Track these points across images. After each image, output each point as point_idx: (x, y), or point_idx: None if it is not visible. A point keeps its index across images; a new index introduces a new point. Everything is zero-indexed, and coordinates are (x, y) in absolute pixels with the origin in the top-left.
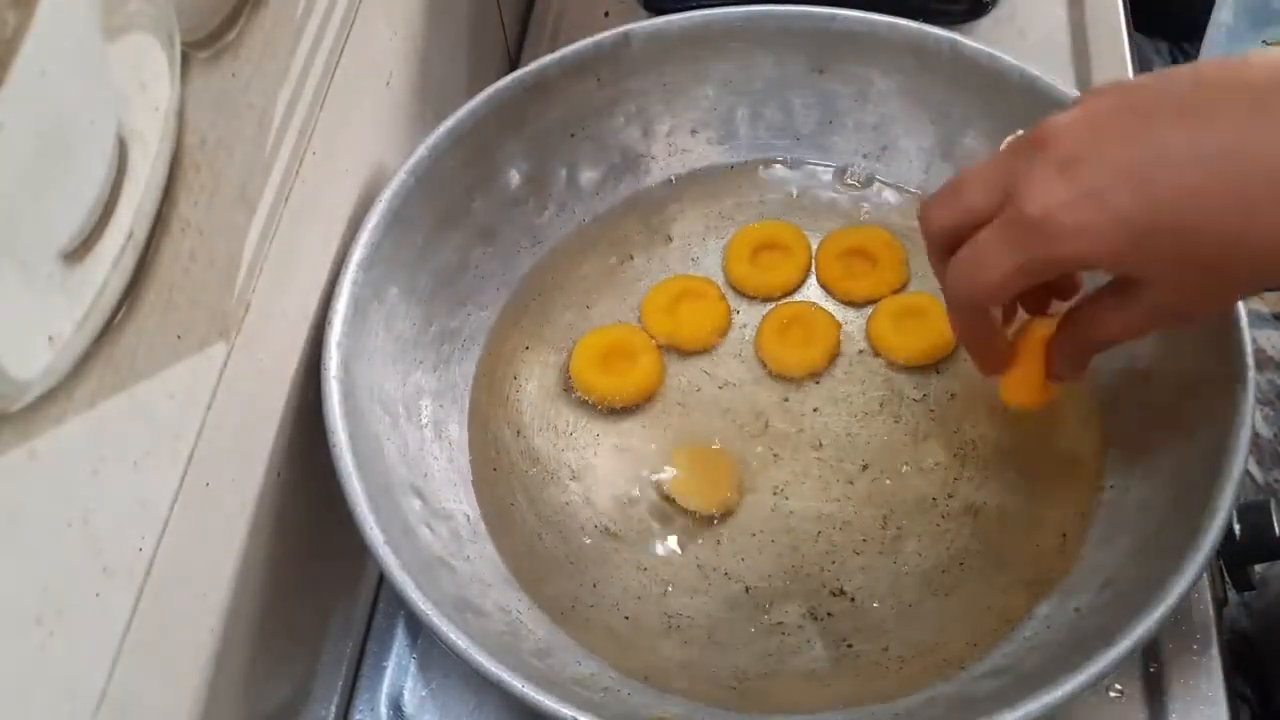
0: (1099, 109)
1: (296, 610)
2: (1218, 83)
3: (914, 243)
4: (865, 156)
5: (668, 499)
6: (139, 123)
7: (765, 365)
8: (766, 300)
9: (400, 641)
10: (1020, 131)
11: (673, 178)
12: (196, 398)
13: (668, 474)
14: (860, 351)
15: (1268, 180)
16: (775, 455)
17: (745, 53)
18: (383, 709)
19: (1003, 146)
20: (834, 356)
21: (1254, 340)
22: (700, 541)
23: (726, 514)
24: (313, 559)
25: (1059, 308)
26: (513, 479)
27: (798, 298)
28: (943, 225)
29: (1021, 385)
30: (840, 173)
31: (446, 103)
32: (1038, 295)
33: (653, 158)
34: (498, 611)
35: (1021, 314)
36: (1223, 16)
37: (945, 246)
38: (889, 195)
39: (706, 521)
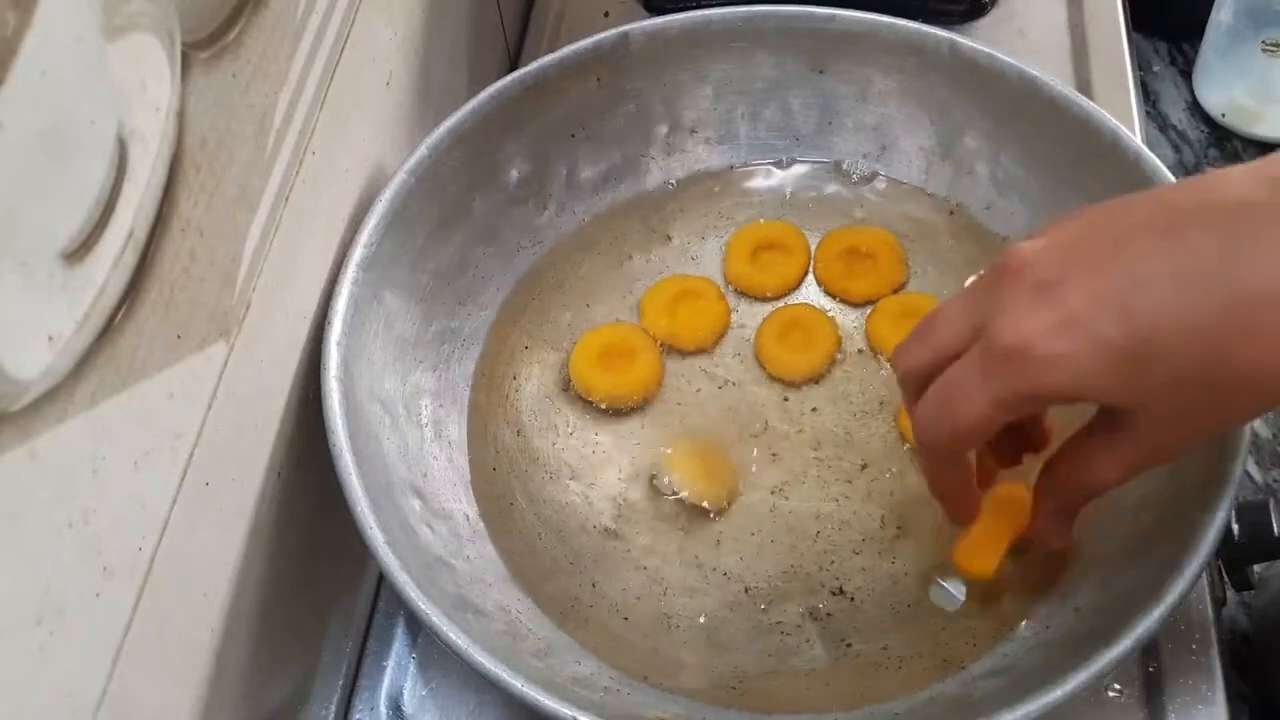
0: (1068, 234)
1: (296, 610)
2: (1186, 205)
3: (914, 243)
4: (865, 156)
5: (668, 494)
6: (139, 123)
7: (765, 368)
8: (766, 300)
9: (400, 641)
10: (982, 272)
11: (672, 178)
12: (196, 398)
13: (669, 470)
14: (860, 351)
15: (1251, 303)
16: (774, 455)
17: (745, 53)
18: (383, 709)
19: (966, 285)
20: (834, 360)
21: None
22: (700, 541)
23: (726, 507)
24: (313, 559)
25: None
26: (512, 479)
27: (797, 298)
28: (914, 367)
29: (980, 549)
30: (840, 172)
31: (446, 103)
32: (1008, 447)
33: (652, 158)
34: (498, 611)
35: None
36: (1223, 16)
37: (919, 390)
38: (889, 195)
39: (706, 521)
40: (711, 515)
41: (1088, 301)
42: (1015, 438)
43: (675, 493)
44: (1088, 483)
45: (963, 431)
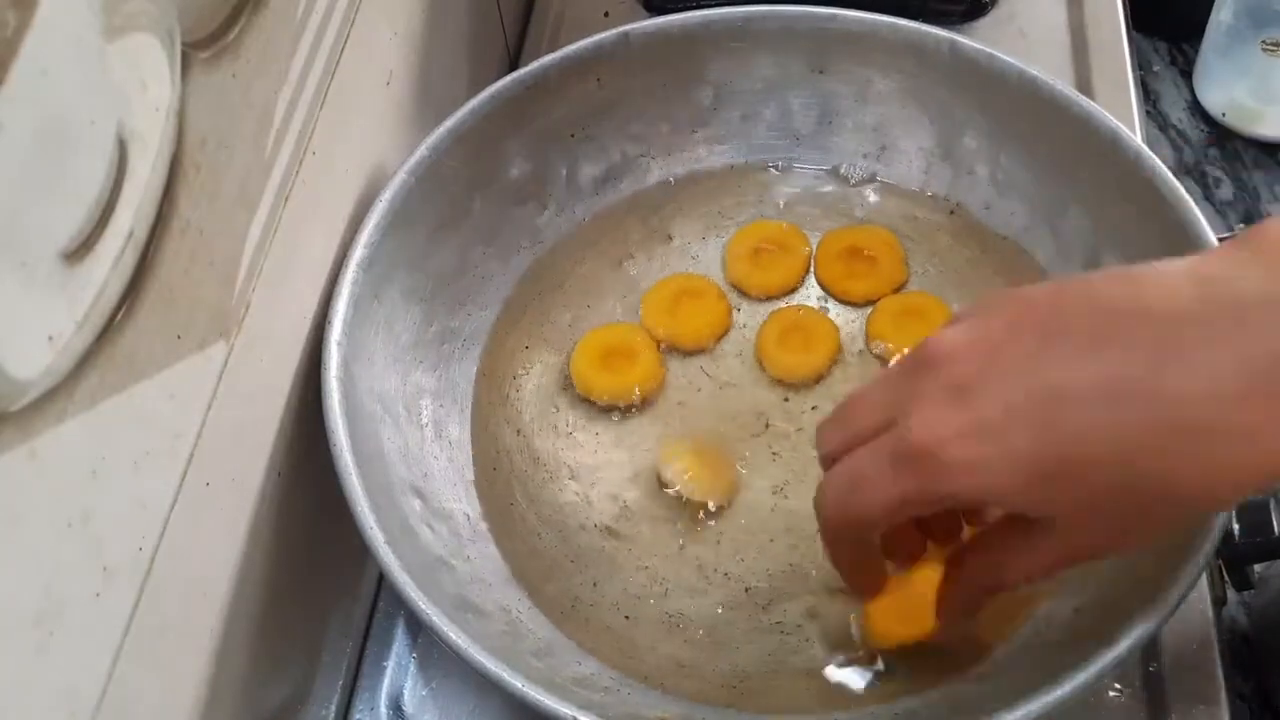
0: (992, 330)
1: (296, 610)
2: (1118, 310)
3: (914, 242)
4: (865, 156)
5: (668, 489)
6: (139, 123)
7: (765, 370)
8: (766, 300)
9: (400, 641)
10: (906, 350)
11: (672, 178)
12: (196, 398)
13: (668, 464)
14: (860, 351)
15: (1174, 427)
16: (775, 454)
17: (745, 53)
18: (383, 709)
19: (892, 362)
20: (834, 361)
21: None
22: (700, 541)
23: (726, 504)
24: (313, 559)
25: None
26: (513, 479)
27: (797, 297)
28: (831, 451)
29: (888, 619)
30: (840, 172)
31: (446, 103)
32: (938, 525)
33: (652, 158)
34: (498, 611)
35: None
36: (1223, 16)
37: None
38: (889, 195)
39: (707, 520)
40: (712, 511)
41: (1003, 410)
42: (948, 517)
43: (676, 487)
44: (999, 580)
45: (864, 519)
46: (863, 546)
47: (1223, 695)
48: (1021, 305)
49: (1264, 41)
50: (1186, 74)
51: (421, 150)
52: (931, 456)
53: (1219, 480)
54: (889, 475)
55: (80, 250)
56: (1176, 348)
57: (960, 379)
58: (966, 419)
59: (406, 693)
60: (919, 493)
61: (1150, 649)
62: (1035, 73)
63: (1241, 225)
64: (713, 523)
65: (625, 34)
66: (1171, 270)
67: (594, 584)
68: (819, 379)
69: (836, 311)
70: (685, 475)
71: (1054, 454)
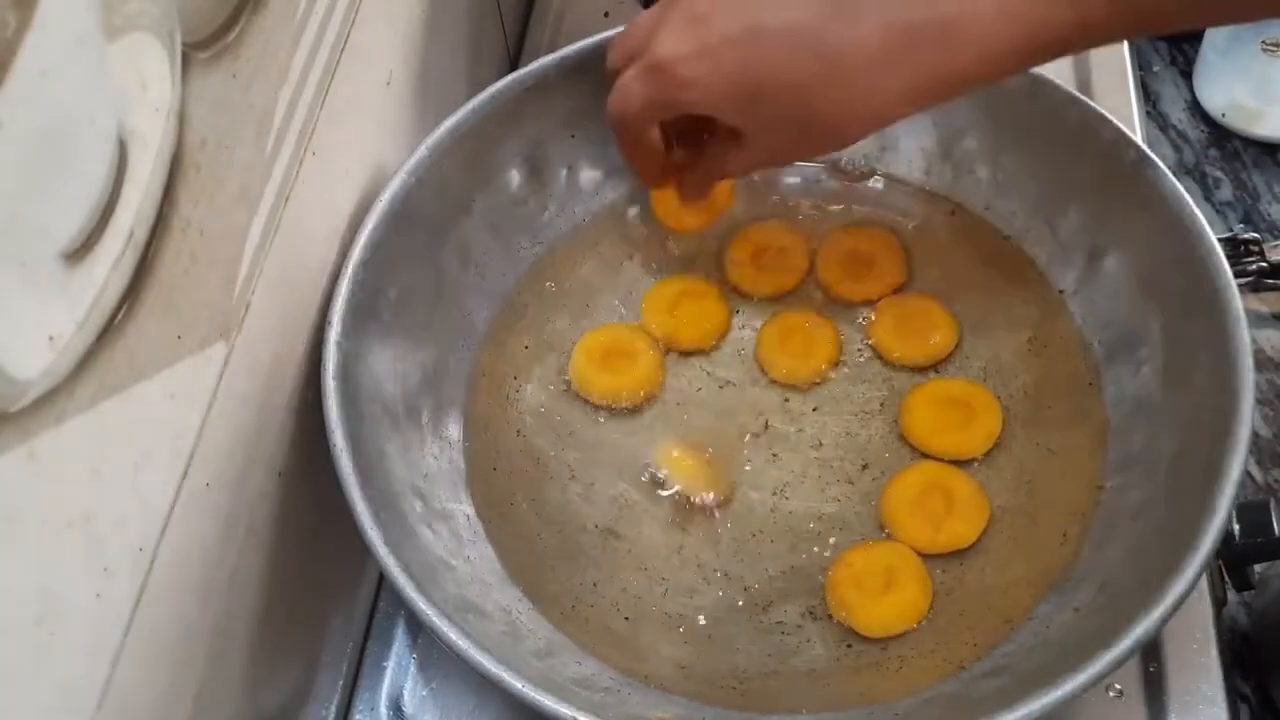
0: None
1: (296, 610)
2: None
3: (914, 243)
4: (865, 156)
5: (666, 489)
6: (139, 123)
7: (766, 373)
8: (767, 300)
9: (400, 641)
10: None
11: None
12: (196, 398)
13: (662, 465)
14: (860, 352)
15: (830, 62)
16: (775, 455)
17: None
18: (383, 709)
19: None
20: (835, 364)
21: (1254, 340)
22: (700, 541)
23: (724, 501)
24: (313, 559)
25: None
26: (513, 479)
27: (797, 298)
28: (614, 64)
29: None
30: (840, 172)
31: (446, 103)
32: (689, 132)
33: None
34: (498, 612)
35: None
36: None
37: None
38: (889, 195)
39: (707, 521)
40: (710, 510)
41: (721, 38)
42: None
43: (674, 487)
44: (719, 171)
45: (629, 118)
46: (637, 141)
47: (1223, 695)
48: None
49: (1264, 41)
50: (1186, 74)
51: (421, 150)
52: (667, 70)
53: (853, 118)
54: (640, 86)
55: (80, 251)
56: (848, 9)
57: (698, 9)
58: (695, 43)
59: (406, 693)
60: (659, 99)
61: (1150, 649)
62: (1035, 73)
63: (1241, 225)
64: (713, 523)
65: None
66: None
67: (594, 584)
68: (820, 381)
69: (836, 312)
70: (682, 475)
71: (750, 78)
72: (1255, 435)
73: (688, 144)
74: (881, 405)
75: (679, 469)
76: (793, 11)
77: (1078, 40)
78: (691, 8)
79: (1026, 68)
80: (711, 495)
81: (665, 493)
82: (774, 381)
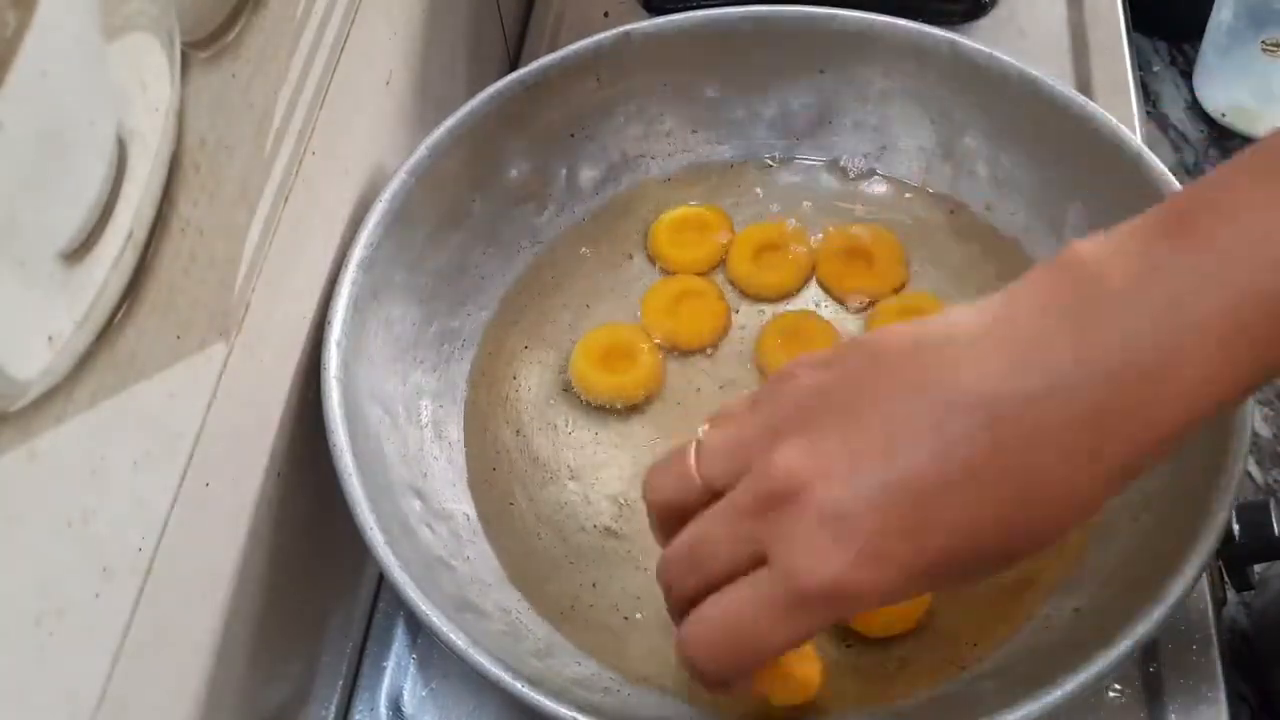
0: (829, 440)
1: (296, 610)
2: (940, 391)
3: (914, 242)
4: (865, 156)
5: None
6: (139, 123)
7: (766, 373)
8: (767, 300)
9: (400, 641)
10: (706, 426)
11: (672, 177)
12: (196, 398)
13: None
14: None
15: (1024, 493)
16: None
17: (745, 52)
18: (383, 709)
19: (703, 430)
20: None
21: None
22: None
23: None
24: (313, 559)
25: None
26: (512, 479)
27: (798, 298)
28: (686, 594)
29: (769, 679)
30: (840, 172)
31: (446, 103)
32: None
33: (653, 157)
34: (498, 611)
35: None
36: (1223, 16)
37: (685, 611)
38: (889, 195)
39: None
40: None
41: (879, 522)
42: None
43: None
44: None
45: (753, 662)
46: (747, 677)
47: (1223, 695)
48: (843, 405)
49: (1264, 42)
50: (1186, 74)
51: (421, 150)
52: (830, 595)
53: (1061, 528)
54: (784, 620)
55: (80, 250)
56: (1007, 425)
57: (829, 504)
58: (851, 547)
59: (406, 693)
60: (820, 625)
61: (1150, 649)
62: (1035, 73)
63: None
64: None
65: (625, 34)
66: (970, 327)
67: (593, 584)
68: None
69: (836, 312)
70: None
71: (930, 555)
72: (1255, 435)
73: None
74: None
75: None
76: (951, 452)
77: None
78: (817, 503)
79: (1237, 405)
80: None
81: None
82: None
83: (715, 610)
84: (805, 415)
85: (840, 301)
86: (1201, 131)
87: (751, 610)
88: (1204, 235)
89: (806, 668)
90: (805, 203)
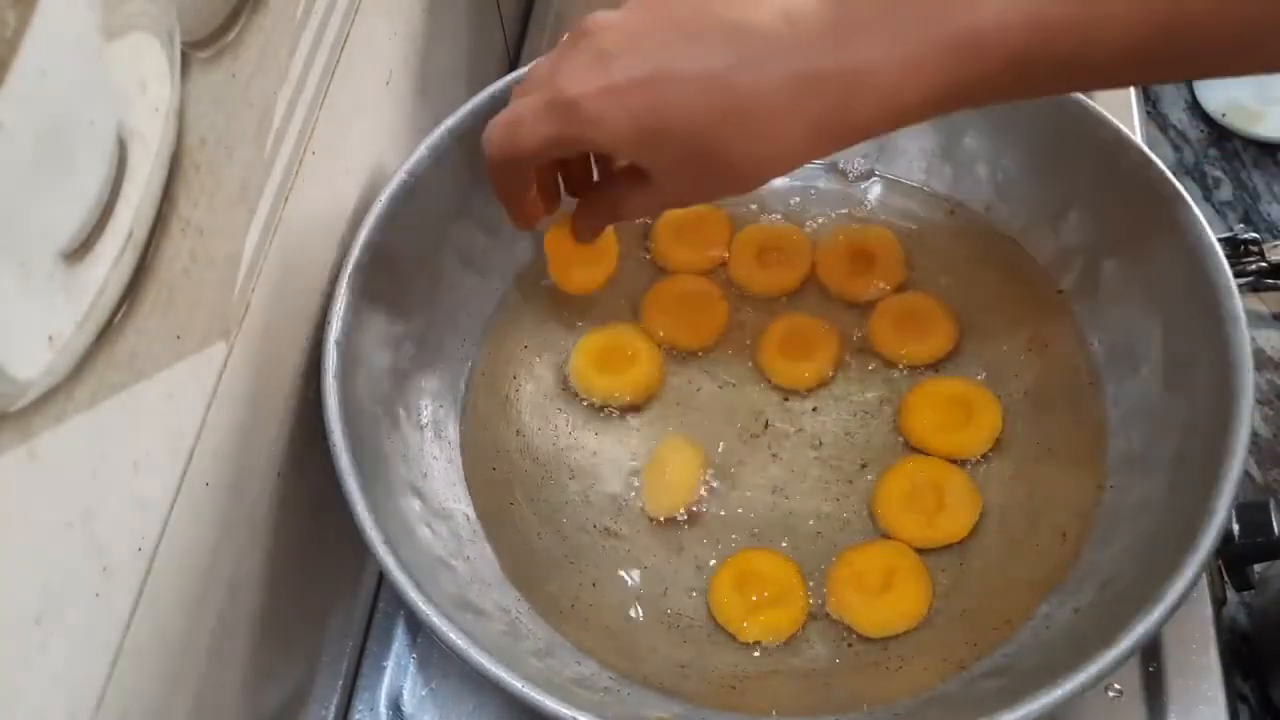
0: (641, 19)
1: (296, 610)
2: (722, 16)
3: (914, 242)
4: (865, 156)
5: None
6: (139, 123)
7: (766, 373)
8: (767, 300)
9: (400, 641)
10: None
11: None
12: (196, 398)
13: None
14: (860, 352)
15: (736, 108)
16: (774, 455)
17: None
18: (382, 709)
19: (566, 37)
20: (835, 364)
21: (1254, 340)
22: (700, 541)
23: (686, 515)
24: (313, 559)
25: None
26: (512, 478)
27: (798, 298)
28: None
29: (561, 265)
30: (840, 172)
31: (446, 103)
32: (576, 177)
33: None
34: (497, 611)
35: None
36: None
37: None
38: (889, 195)
39: (707, 520)
40: (680, 524)
41: (628, 78)
42: (578, 171)
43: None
44: (617, 213)
45: (521, 154)
46: (520, 180)
47: (1223, 695)
48: (670, 6)
49: None
50: None
51: (421, 150)
52: (574, 105)
53: (756, 163)
54: (542, 117)
55: (80, 250)
56: (757, 56)
57: (605, 47)
58: (603, 80)
59: (406, 693)
60: (561, 134)
61: (1150, 649)
62: None
63: (1241, 225)
64: (713, 522)
65: None
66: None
67: (594, 584)
68: (820, 381)
69: (837, 311)
70: (642, 490)
71: (656, 119)
72: (1255, 435)
73: (575, 187)
74: (881, 405)
75: (646, 485)
76: (702, 57)
77: (982, 95)
78: (597, 44)
79: (932, 117)
80: (665, 516)
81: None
82: (774, 381)
83: (508, 108)
84: (636, 2)
85: (840, 301)
86: (1201, 131)
87: (528, 104)
88: None
89: (591, 266)
90: (805, 202)
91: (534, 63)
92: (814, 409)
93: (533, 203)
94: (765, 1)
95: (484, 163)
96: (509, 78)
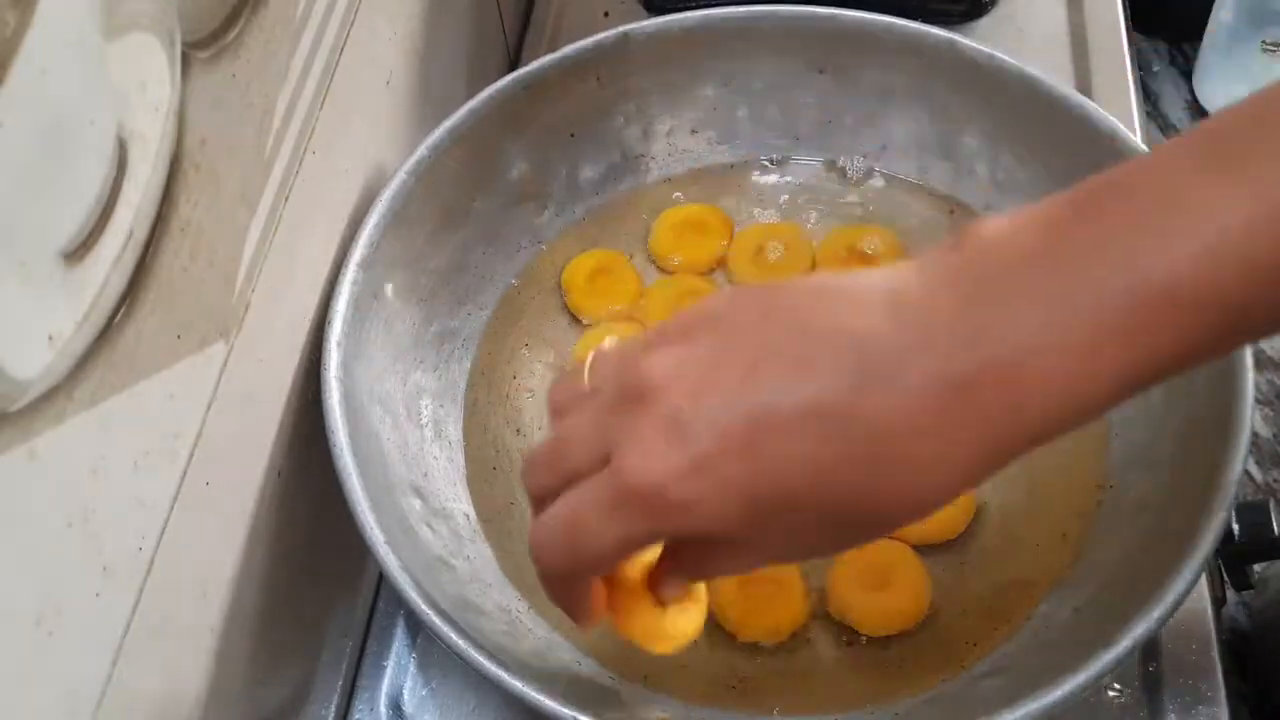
0: (699, 355)
1: (296, 610)
2: (817, 328)
3: (914, 242)
4: (865, 156)
5: None
6: (139, 123)
7: None
8: None
9: (400, 641)
10: (606, 343)
11: (672, 177)
12: (196, 398)
13: None
14: None
15: (871, 449)
16: None
17: (745, 53)
18: (382, 709)
19: (589, 360)
20: None
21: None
22: None
23: None
24: (313, 558)
25: None
26: (512, 478)
27: None
28: (544, 490)
29: (640, 623)
30: (840, 172)
31: (446, 103)
32: None
33: (652, 157)
34: (497, 611)
35: None
36: (1223, 16)
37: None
38: (889, 194)
39: None
40: None
41: (717, 441)
42: None
43: None
44: (703, 573)
45: (587, 562)
46: (585, 587)
47: (1223, 695)
48: (727, 328)
49: (1264, 41)
50: (1186, 74)
51: (421, 150)
52: (653, 498)
53: (916, 500)
54: (612, 518)
55: (80, 250)
56: (879, 369)
57: (673, 412)
58: (684, 457)
59: (406, 692)
60: (644, 534)
61: (1150, 649)
62: (1035, 73)
63: None
64: None
65: (625, 34)
66: (868, 284)
67: None
68: None
69: None
70: None
71: (769, 487)
72: (1255, 435)
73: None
74: None
75: None
76: (808, 387)
77: (1172, 369)
78: (665, 406)
79: (1116, 405)
80: None
81: None
82: None
83: (559, 507)
84: (689, 331)
85: None
86: None
87: (588, 503)
88: (1103, 217)
89: (678, 617)
90: (806, 202)
91: (564, 419)
92: None
93: (597, 595)
94: (852, 294)
95: (537, 572)
96: (509, 77)
